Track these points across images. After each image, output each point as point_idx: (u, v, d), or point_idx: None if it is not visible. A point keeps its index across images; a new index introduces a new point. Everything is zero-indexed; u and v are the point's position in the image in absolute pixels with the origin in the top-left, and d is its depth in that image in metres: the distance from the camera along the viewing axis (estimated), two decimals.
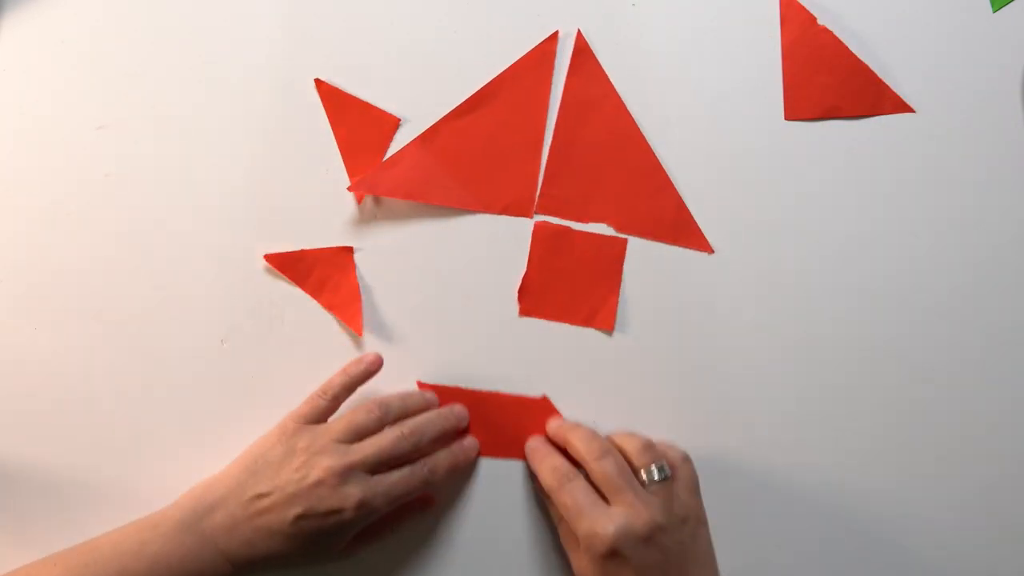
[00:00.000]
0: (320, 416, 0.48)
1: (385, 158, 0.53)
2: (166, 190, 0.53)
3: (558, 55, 0.54)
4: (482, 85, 0.54)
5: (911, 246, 0.54)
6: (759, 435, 0.54)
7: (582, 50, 0.54)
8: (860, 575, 0.54)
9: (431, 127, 0.53)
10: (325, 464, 0.45)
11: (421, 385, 0.52)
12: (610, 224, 0.54)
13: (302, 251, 0.53)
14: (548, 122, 0.54)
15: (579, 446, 0.48)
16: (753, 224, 0.54)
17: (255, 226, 0.53)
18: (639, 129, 0.54)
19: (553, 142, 0.54)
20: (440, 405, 0.52)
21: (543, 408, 0.53)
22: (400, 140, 0.54)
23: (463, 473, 0.52)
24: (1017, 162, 0.55)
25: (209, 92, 0.54)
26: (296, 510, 0.44)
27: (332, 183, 0.53)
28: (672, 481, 0.47)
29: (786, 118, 0.54)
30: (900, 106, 0.54)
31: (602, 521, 0.44)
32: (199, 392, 0.53)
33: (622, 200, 0.54)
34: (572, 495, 0.46)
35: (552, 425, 0.51)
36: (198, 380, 0.53)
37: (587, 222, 0.54)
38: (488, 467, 0.53)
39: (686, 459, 0.48)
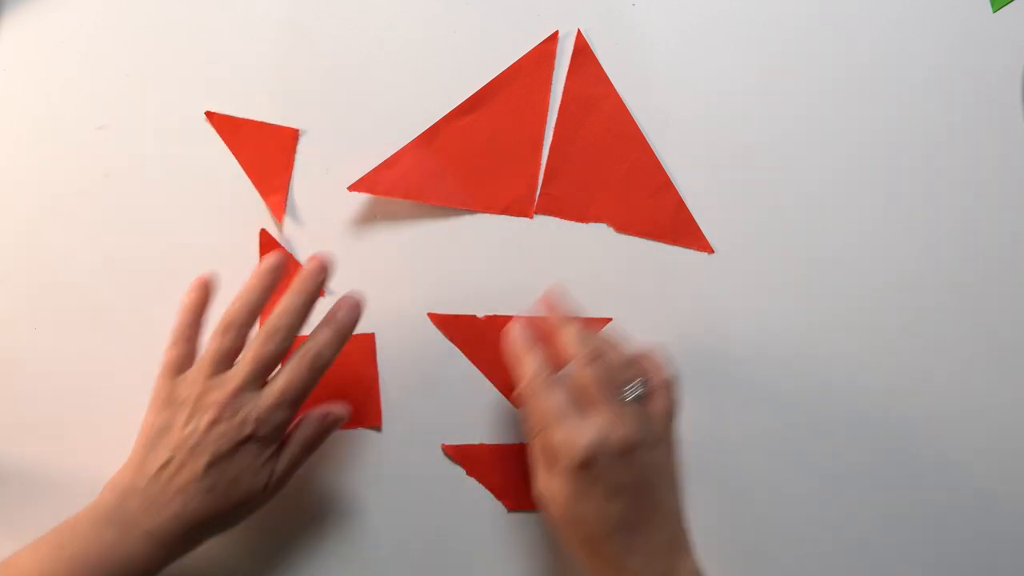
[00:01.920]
0: (184, 363, 0.45)
1: (292, 169, 0.53)
2: (166, 190, 0.53)
3: (558, 55, 0.54)
4: (481, 85, 0.54)
5: (912, 246, 0.54)
6: (761, 435, 0.54)
7: (582, 50, 0.54)
8: (858, 573, 0.54)
9: (431, 127, 0.53)
10: (210, 401, 0.43)
11: (445, 447, 0.53)
12: (610, 224, 0.54)
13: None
14: (548, 122, 0.54)
15: (568, 345, 0.46)
16: (753, 224, 0.54)
17: (255, 226, 0.53)
18: (639, 129, 0.54)
19: (553, 142, 0.54)
20: (464, 464, 0.52)
21: None
22: (306, 150, 0.53)
23: (352, 332, 0.47)
24: (1017, 162, 0.55)
25: (209, 92, 0.54)
26: (203, 459, 0.42)
27: (332, 183, 0.53)
28: (651, 400, 0.45)
29: None
30: None
31: (581, 430, 0.42)
32: None
33: (622, 200, 0.54)
34: (551, 401, 0.44)
35: (544, 308, 0.49)
36: None
37: (587, 222, 0.54)
38: (518, 520, 0.53)
39: (672, 382, 0.47)
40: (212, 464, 0.43)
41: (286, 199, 0.53)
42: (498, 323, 0.53)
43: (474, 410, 0.53)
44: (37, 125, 0.54)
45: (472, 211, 0.54)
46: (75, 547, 0.43)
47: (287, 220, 0.53)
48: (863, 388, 0.54)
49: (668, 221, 0.54)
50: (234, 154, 0.53)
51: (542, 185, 0.54)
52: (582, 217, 0.54)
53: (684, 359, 0.54)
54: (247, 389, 0.44)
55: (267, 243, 0.53)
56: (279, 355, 0.45)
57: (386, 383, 0.53)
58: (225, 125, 0.53)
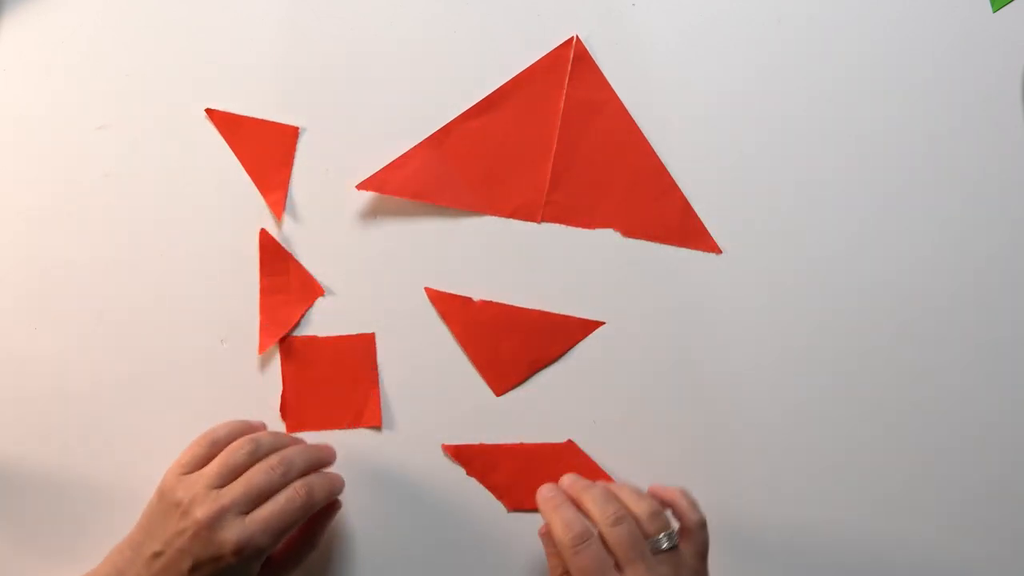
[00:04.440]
0: (199, 463, 0.47)
1: (292, 168, 0.53)
2: (166, 190, 0.53)
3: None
4: (481, 84, 0.54)
5: (913, 245, 0.54)
6: (764, 434, 0.54)
7: (581, 56, 0.54)
8: (858, 573, 0.54)
9: (441, 128, 0.53)
10: (196, 516, 0.44)
11: (445, 447, 0.53)
12: (616, 229, 0.54)
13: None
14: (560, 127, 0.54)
15: (593, 509, 0.47)
16: (760, 223, 0.54)
17: (255, 224, 0.53)
18: (641, 133, 0.54)
19: (556, 149, 0.54)
20: (464, 464, 0.52)
21: (569, 452, 0.53)
22: (306, 148, 0.53)
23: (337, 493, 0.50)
24: (1017, 162, 0.55)
25: (209, 91, 0.54)
26: (187, 563, 0.44)
27: (332, 181, 0.53)
28: (682, 547, 0.46)
29: None
30: None
31: None
32: (199, 392, 0.53)
33: (628, 204, 0.54)
34: (589, 558, 0.44)
35: (566, 481, 0.50)
36: (198, 380, 0.53)
37: (593, 227, 0.54)
38: (518, 520, 0.53)
39: (702, 525, 0.48)
40: (194, 569, 0.44)
41: (286, 197, 0.53)
42: (491, 309, 0.53)
43: (474, 410, 0.53)
44: (37, 125, 0.54)
45: (478, 213, 0.54)
46: None
47: (286, 218, 0.53)
48: (871, 385, 0.54)
49: (675, 223, 0.54)
50: (234, 152, 0.53)
51: (547, 192, 0.54)
52: (588, 223, 0.54)
53: (694, 359, 0.54)
54: (234, 512, 0.45)
55: (267, 242, 0.53)
56: (273, 490, 0.46)
57: (386, 383, 0.53)
58: (225, 122, 0.53)
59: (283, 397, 0.53)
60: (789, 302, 0.54)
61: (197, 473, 0.47)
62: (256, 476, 0.46)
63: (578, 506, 0.48)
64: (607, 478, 0.53)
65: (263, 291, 0.53)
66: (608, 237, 0.54)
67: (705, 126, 0.54)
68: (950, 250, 0.54)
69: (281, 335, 0.53)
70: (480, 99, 0.53)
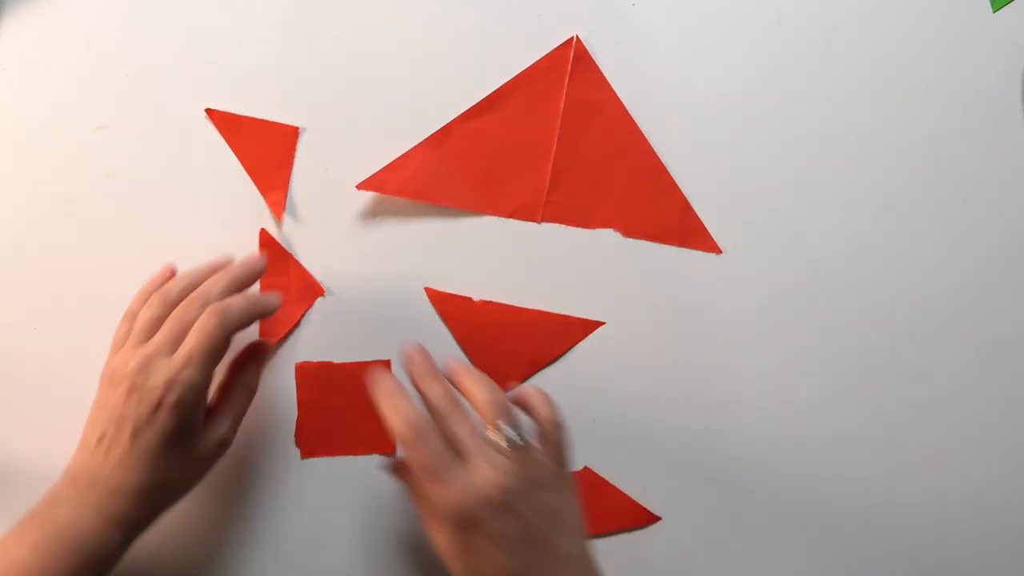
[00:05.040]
0: (126, 339, 0.46)
1: (292, 168, 0.53)
2: (166, 190, 0.53)
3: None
4: (481, 84, 0.54)
5: (913, 245, 0.54)
6: (764, 434, 0.54)
7: (581, 56, 0.54)
8: (858, 573, 0.54)
9: (442, 128, 0.53)
10: (127, 371, 0.43)
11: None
12: (616, 229, 0.54)
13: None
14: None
15: (429, 396, 0.44)
16: (760, 223, 0.54)
17: (255, 224, 0.53)
18: (641, 133, 0.54)
19: (556, 150, 0.54)
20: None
21: (586, 479, 0.53)
22: (306, 148, 0.53)
23: (268, 316, 0.48)
24: (1017, 162, 0.55)
25: (209, 91, 0.54)
26: (127, 430, 0.43)
27: (332, 181, 0.53)
28: (533, 445, 0.43)
29: None
30: None
31: (454, 485, 0.40)
32: None
33: (628, 204, 0.54)
34: (424, 452, 0.41)
35: (407, 362, 0.46)
36: None
37: (593, 228, 0.54)
38: None
39: (557, 426, 0.45)
40: (136, 432, 0.43)
41: (286, 197, 0.53)
42: (491, 309, 0.53)
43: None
44: (37, 125, 0.53)
45: (478, 213, 0.54)
46: (35, 533, 0.43)
47: (286, 218, 0.53)
48: (871, 385, 0.54)
49: (675, 223, 0.54)
50: (234, 151, 0.53)
51: (547, 192, 0.54)
52: (588, 223, 0.54)
53: (694, 359, 0.54)
54: (161, 355, 0.44)
55: (267, 242, 0.53)
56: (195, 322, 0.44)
57: None
58: (225, 122, 0.53)
59: (298, 423, 0.53)
60: (789, 302, 0.54)
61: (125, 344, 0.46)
62: (177, 314, 0.45)
63: (418, 391, 0.45)
64: (625, 499, 0.53)
65: (263, 291, 0.53)
66: (608, 237, 0.54)
67: (705, 126, 0.54)
68: (950, 250, 0.54)
69: (282, 334, 0.53)
70: (480, 99, 0.53)
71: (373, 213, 0.54)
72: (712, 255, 0.54)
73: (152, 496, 0.44)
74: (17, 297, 0.53)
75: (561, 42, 0.53)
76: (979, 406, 0.54)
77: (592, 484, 0.53)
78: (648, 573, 0.54)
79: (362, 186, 0.53)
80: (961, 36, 0.55)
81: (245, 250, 0.53)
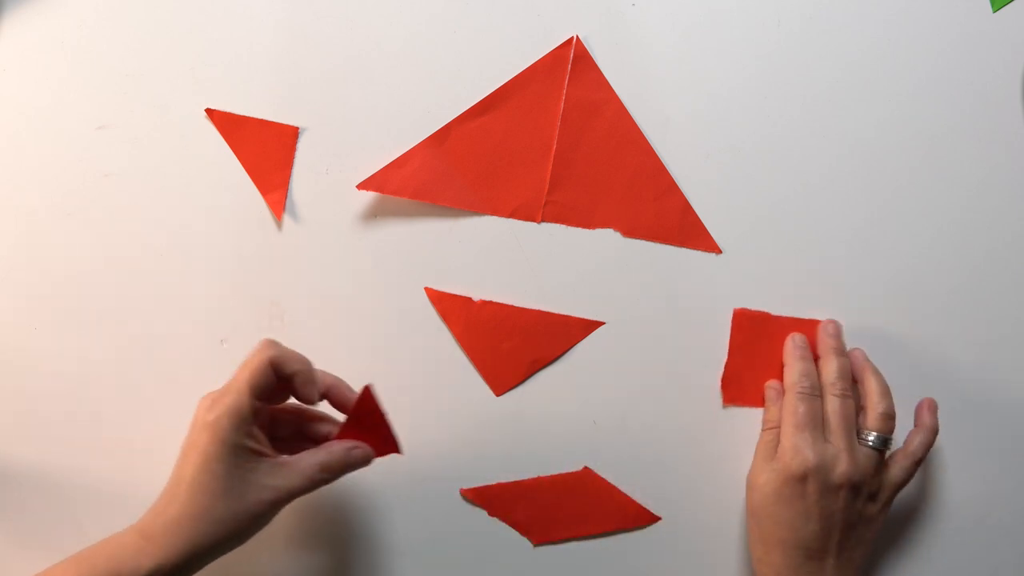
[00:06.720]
0: None
1: (292, 167, 0.53)
2: (166, 190, 0.53)
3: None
4: (482, 84, 0.54)
5: (913, 244, 0.54)
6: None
7: (581, 56, 0.54)
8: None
9: (442, 128, 0.53)
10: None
11: (464, 492, 0.53)
12: (616, 229, 0.54)
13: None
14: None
15: (827, 374, 0.50)
16: (760, 223, 0.54)
17: (255, 224, 0.53)
18: (641, 133, 0.54)
19: (556, 150, 0.54)
20: (484, 506, 0.53)
21: (587, 479, 0.53)
22: (306, 148, 0.53)
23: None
24: (1017, 162, 0.55)
25: (209, 91, 0.54)
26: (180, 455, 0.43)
27: (332, 181, 0.53)
28: (892, 460, 0.49)
29: None
30: None
31: (813, 447, 0.47)
32: (199, 392, 0.53)
33: (627, 205, 0.54)
34: (802, 408, 0.48)
35: (825, 336, 0.52)
36: (198, 380, 0.53)
37: (593, 228, 0.54)
38: (544, 553, 0.53)
39: (919, 459, 0.49)
40: (182, 458, 0.44)
41: (286, 197, 0.53)
42: (491, 309, 0.53)
43: (474, 410, 0.53)
44: (37, 125, 0.53)
45: (478, 213, 0.54)
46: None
47: (286, 218, 0.54)
48: None
49: (675, 223, 0.54)
50: (234, 152, 0.53)
51: (547, 193, 0.54)
52: (588, 223, 0.54)
53: (694, 359, 0.54)
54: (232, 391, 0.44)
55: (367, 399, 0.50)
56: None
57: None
58: (225, 122, 0.53)
59: (728, 367, 0.54)
60: (789, 302, 0.54)
61: None
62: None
63: (821, 358, 0.51)
64: (625, 499, 0.53)
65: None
66: (608, 237, 0.54)
67: (705, 126, 0.54)
68: (950, 250, 0.54)
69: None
70: (480, 99, 0.53)
71: (373, 213, 0.54)
72: (712, 255, 0.54)
73: (190, 533, 0.42)
74: (17, 297, 0.53)
75: (561, 42, 0.53)
76: (980, 406, 0.54)
77: (592, 484, 0.53)
78: (648, 573, 0.54)
79: (362, 186, 0.53)
80: (961, 36, 0.55)
81: (245, 250, 0.53)
